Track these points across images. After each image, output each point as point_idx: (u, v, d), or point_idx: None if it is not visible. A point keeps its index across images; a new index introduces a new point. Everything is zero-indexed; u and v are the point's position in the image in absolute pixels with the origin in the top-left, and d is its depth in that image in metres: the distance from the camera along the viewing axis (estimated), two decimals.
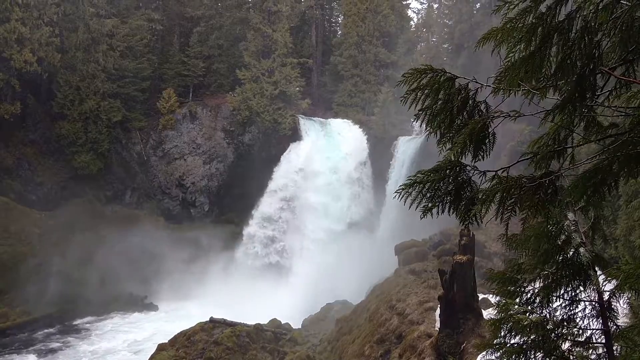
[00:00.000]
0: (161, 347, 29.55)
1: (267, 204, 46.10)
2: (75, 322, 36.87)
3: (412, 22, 63.67)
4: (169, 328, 34.37)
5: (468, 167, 4.80)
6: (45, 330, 35.29)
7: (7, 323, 34.61)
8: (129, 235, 41.01)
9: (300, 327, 33.64)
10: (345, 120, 49.03)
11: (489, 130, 4.60)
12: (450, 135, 4.86)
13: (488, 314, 21.85)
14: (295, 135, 47.71)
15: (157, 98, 48.05)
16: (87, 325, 36.87)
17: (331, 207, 45.03)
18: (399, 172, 43.42)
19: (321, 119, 49.92)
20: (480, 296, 23.01)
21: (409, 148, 43.89)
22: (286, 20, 49.72)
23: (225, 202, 48.23)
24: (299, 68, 50.38)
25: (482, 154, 4.67)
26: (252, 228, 46.00)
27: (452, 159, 4.55)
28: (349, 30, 53.00)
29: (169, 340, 30.07)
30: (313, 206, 45.21)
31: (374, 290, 30.11)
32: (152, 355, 29.04)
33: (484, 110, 4.86)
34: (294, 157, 46.60)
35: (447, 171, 4.77)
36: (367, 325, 26.94)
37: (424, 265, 29.04)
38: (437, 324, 22.31)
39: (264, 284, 41.89)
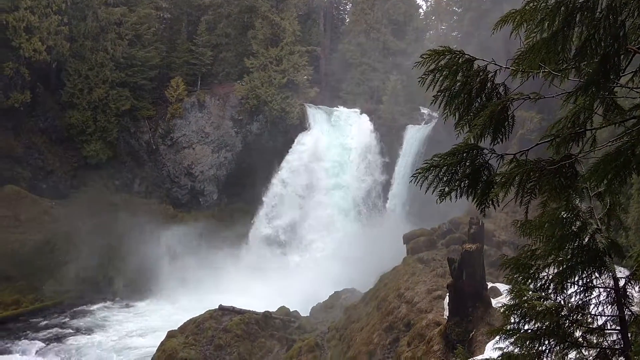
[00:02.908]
0: (171, 334, 29.79)
1: (275, 193, 46.16)
2: (85, 309, 37.20)
3: (421, 10, 63.24)
4: (177, 316, 34.60)
5: (485, 151, 4.74)
6: (56, 317, 35.62)
7: (19, 310, 35.01)
8: (139, 224, 41.19)
9: (308, 315, 33.77)
10: (353, 108, 48.84)
11: (509, 113, 4.53)
12: (468, 118, 4.80)
13: (497, 302, 21.84)
14: (303, 124, 47.64)
15: (166, 87, 48.05)
16: (97, 312, 37.18)
17: (339, 196, 45.02)
18: (407, 160, 43.31)
19: (329, 108, 49.76)
20: (489, 284, 22.99)
21: (418, 136, 43.74)
22: (294, 8, 49.49)
23: (234, 190, 48.30)
24: (307, 56, 50.17)
25: (501, 137, 4.61)
26: (260, 217, 46.11)
27: (472, 141, 4.49)
28: (358, 18, 52.70)
29: (178, 328, 30.30)
30: (321, 195, 45.20)
31: (383, 278, 30.12)
32: (162, 342, 29.28)
33: (502, 93, 4.80)
34: (301, 146, 46.54)
35: (464, 154, 4.70)
36: (375, 313, 27.00)
37: (433, 254, 28.98)
38: (446, 312, 22.32)
39: (272, 272, 42.03)
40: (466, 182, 4.68)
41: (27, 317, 34.88)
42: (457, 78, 4.66)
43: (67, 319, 35.50)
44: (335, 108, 49.72)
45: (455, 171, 4.66)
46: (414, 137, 44.14)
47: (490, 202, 4.77)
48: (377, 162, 45.75)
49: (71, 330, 33.65)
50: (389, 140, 45.47)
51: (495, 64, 4.77)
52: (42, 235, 39.14)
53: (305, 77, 49.15)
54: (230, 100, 48.94)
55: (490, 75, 4.72)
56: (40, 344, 30.98)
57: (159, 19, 50.25)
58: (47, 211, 41.29)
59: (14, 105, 41.02)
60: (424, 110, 47.95)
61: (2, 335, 32.10)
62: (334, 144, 46.39)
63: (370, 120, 47.07)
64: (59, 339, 32.15)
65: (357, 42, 52.27)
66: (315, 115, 48.23)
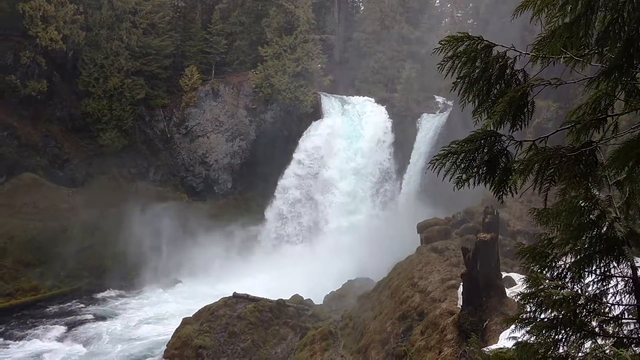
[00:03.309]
0: (186, 322, 30.10)
1: (288, 182, 46.25)
2: (101, 296, 37.66)
3: None
4: (192, 303, 34.94)
5: (503, 137, 4.70)
6: (74, 304, 36.13)
7: (37, 296, 35.56)
8: (154, 212, 41.56)
9: (322, 303, 33.91)
10: (367, 97, 48.62)
11: (528, 99, 4.48)
12: (487, 104, 4.76)
13: (511, 292, 21.76)
14: (316, 112, 47.55)
15: (180, 75, 48.18)
16: (113, 299, 37.63)
17: (353, 185, 44.99)
18: (421, 149, 43.10)
19: (343, 97, 49.59)
20: (504, 274, 22.88)
21: (433, 125, 43.46)
22: None
23: (248, 179, 48.48)
24: (321, 44, 50.00)
25: (520, 123, 4.57)
26: (274, 205, 46.28)
27: (490, 128, 4.45)
28: (372, 5, 52.32)
29: (193, 315, 30.60)
30: (334, 184, 45.22)
31: (396, 267, 30.12)
32: (176, 329, 29.60)
33: (521, 79, 4.74)
34: (315, 134, 46.51)
35: (482, 141, 4.67)
36: (389, 302, 27.03)
37: (447, 243, 28.87)
38: (460, 302, 22.27)
39: (286, 260, 42.23)
40: (484, 169, 4.66)
41: (45, 304, 35.42)
42: (476, 64, 4.62)
43: (83, 306, 36.00)
44: (349, 96, 49.53)
45: (473, 158, 4.63)
46: (428, 125, 43.87)
47: (508, 189, 4.74)
48: (391, 150, 45.56)
49: (88, 317, 34.11)
50: (403, 128, 45.24)
51: (515, 50, 4.72)
52: (59, 223, 39.61)
53: (319, 65, 48.98)
54: (244, 88, 48.97)
55: (509, 62, 4.67)
56: (58, 330, 31.45)
57: (173, 8, 50.30)
58: (64, 199, 41.76)
59: (31, 94, 41.43)
60: (439, 99, 47.62)
61: (22, 320, 32.67)
62: (347, 132, 46.28)
63: (385, 108, 46.82)
64: (76, 325, 32.61)
65: (372, 30, 51.92)
66: (329, 103, 48.10)
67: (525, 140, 4.57)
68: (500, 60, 4.61)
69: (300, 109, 47.15)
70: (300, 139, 46.63)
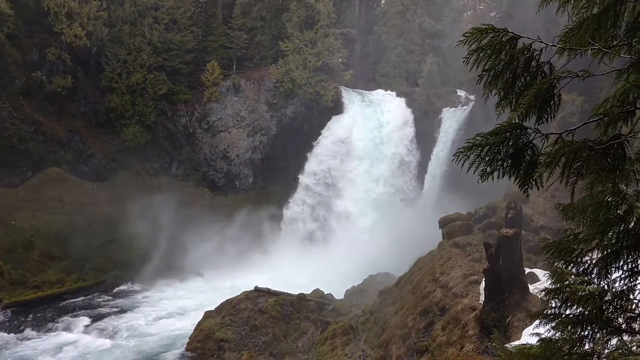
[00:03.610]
0: (208, 315, 30.41)
1: (309, 176, 46.33)
2: (124, 289, 38.22)
3: None
4: (213, 297, 35.28)
5: (529, 130, 4.64)
6: (98, 296, 36.76)
7: (63, 288, 36.26)
8: (176, 206, 41.99)
9: (342, 298, 33.96)
10: (388, 91, 48.35)
11: (555, 92, 4.41)
12: (511, 97, 4.70)
13: (535, 288, 21.52)
14: (337, 107, 47.45)
15: (202, 71, 48.49)
16: (136, 292, 38.15)
17: (374, 179, 44.86)
18: (443, 143, 42.76)
19: (364, 91, 49.39)
20: (527, 270, 22.66)
21: (455, 119, 43.07)
22: None
23: (269, 174, 48.65)
24: (341, 39, 49.80)
25: (546, 116, 4.50)
26: (295, 200, 46.41)
27: (516, 120, 4.39)
28: None
29: (215, 308, 30.89)
30: (355, 179, 45.15)
31: (417, 263, 30.00)
32: (199, 322, 29.94)
33: (547, 72, 4.67)
34: (336, 129, 46.45)
35: (507, 134, 4.62)
36: (410, 297, 26.95)
37: (469, 239, 28.64)
38: (482, 298, 22.10)
39: (306, 255, 42.34)
40: (509, 161, 4.60)
41: (71, 296, 36.10)
42: (501, 57, 4.56)
43: (107, 299, 36.58)
44: (370, 91, 49.32)
45: (497, 151, 4.59)
46: (450, 119, 43.48)
47: (534, 183, 4.68)
48: (412, 145, 45.30)
49: (111, 310, 34.66)
50: (424, 123, 44.91)
51: (541, 42, 4.64)
52: (83, 217, 40.27)
53: (340, 59, 48.82)
54: (265, 83, 49.10)
55: (535, 54, 4.60)
56: (83, 322, 32.01)
57: (194, 3, 50.58)
58: (88, 193, 42.46)
59: (56, 90, 42.12)
60: (461, 93, 47.15)
61: (48, 312, 33.35)
62: (368, 126, 46.13)
63: (406, 103, 46.53)
64: (100, 317, 33.14)
65: (393, 24, 51.53)
66: (350, 98, 47.97)
67: (552, 133, 4.51)
68: (525, 53, 4.55)
69: (321, 104, 47.11)
70: (321, 134, 46.61)
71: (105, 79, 45.63)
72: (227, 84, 48.74)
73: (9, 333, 30.10)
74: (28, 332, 30.27)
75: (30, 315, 32.41)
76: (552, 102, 4.47)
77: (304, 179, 46.41)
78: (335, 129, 46.40)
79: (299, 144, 46.65)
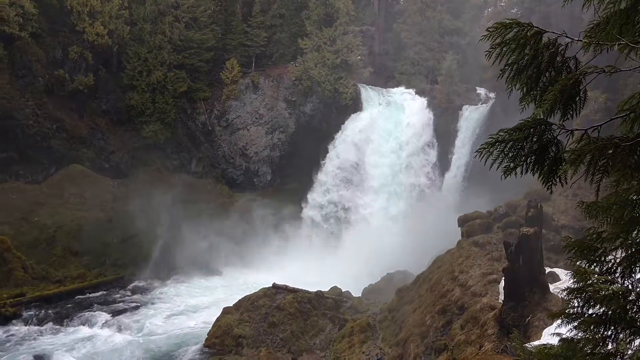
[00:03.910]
0: (226, 311, 30.62)
1: (327, 174, 46.31)
2: (143, 285, 38.49)
3: None
4: (231, 293, 35.53)
5: (554, 126, 4.58)
6: (118, 291, 37.19)
7: (84, 283, 36.78)
8: (195, 203, 42.31)
9: (360, 295, 33.92)
10: (407, 89, 48.10)
11: (580, 88, 4.35)
12: (535, 93, 4.64)
13: (555, 287, 21.28)
14: (356, 105, 47.34)
15: (221, 68, 48.73)
16: (155, 287, 38.44)
17: (392, 177, 44.71)
18: (463, 142, 42.43)
19: (383, 88, 49.21)
20: (547, 269, 22.42)
21: (474, 117, 42.72)
22: None
23: (287, 171, 48.75)
24: (360, 36, 49.67)
25: (571, 112, 4.44)
26: (313, 198, 46.45)
27: (541, 116, 4.34)
28: None
29: (233, 305, 31.09)
30: (374, 176, 45.05)
31: (436, 261, 29.85)
32: (217, 318, 30.15)
33: (572, 68, 4.61)
34: (354, 127, 46.36)
35: (531, 130, 4.57)
36: (428, 295, 26.84)
37: (488, 237, 28.42)
38: (501, 297, 21.95)
39: (324, 253, 42.39)
40: (533, 158, 4.56)
41: (91, 291, 36.57)
42: (525, 51, 4.51)
43: (127, 294, 36.98)
44: (389, 88, 49.13)
45: (521, 147, 4.54)
46: (470, 117, 43.12)
47: (557, 180, 4.62)
48: (431, 143, 45.03)
49: (131, 305, 35.03)
50: (444, 120, 44.61)
51: (567, 37, 4.58)
52: (104, 213, 40.78)
53: (359, 57, 48.69)
54: (283, 81, 49.18)
55: (560, 49, 4.55)
56: (104, 317, 32.42)
57: (214, 1, 50.78)
58: (109, 190, 42.98)
59: (78, 88, 42.69)
60: (480, 91, 46.73)
61: (69, 307, 33.85)
62: (387, 124, 45.95)
63: (425, 100, 46.26)
64: (120, 312, 33.51)
65: (412, 22, 51.23)
66: (369, 95, 47.82)
67: (577, 129, 4.45)
68: (550, 47, 4.49)
69: (340, 101, 47.05)
70: (340, 131, 46.58)
71: (126, 76, 46.11)
72: (246, 82, 48.93)
73: (31, 326, 30.64)
74: (50, 326, 30.76)
75: (52, 310, 32.92)
76: (577, 98, 4.41)
77: (322, 176, 46.42)
78: (354, 126, 46.30)
79: (317, 142, 46.67)
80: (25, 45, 40.31)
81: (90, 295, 35.92)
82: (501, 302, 21.28)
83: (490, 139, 4.60)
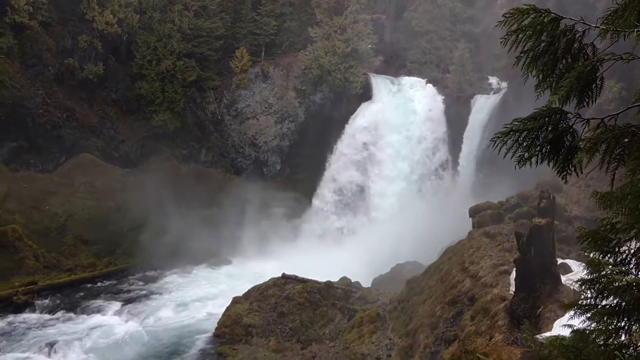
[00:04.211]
0: (236, 300, 30.75)
1: (337, 164, 46.21)
2: (154, 274, 38.77)
3: None
4: (241, 283, 35.62)
5: (569, 115, 4.46)
6: (127, 280, 37.46)
7: (95, 272, 37.10)
8: (204, 192, 42.39)
9: (369, 286, 33.91)
10: (418, 78, 47.74)
11: (597, 75, 4.22)
12: (551, 80, 4.52)
13: (567, 279, 21.13)
14: (366, 93, 47.07)
15: (230, 57, 48.56)
16: (164, 276, 38.69)
17: (402, 167, 44.51)
18: (475, 131, 42.10)
19: (394, 77, 48.86)
20: (559, 261, 22.25)
21: (486, 106, 42.32)
22: None
23: (296, 161, 48.65)
24: (371, 24, 49.24)
25: (587, 100, 4.32)
26: (322, 187, 46.39)
27: (556, 104, 4.22)
28: None
29: (243, 294, 31.21)
30: (384, 166, 44.87)
31: (446, 252, 29.74)
32: (227, 308, 30.31)
33: (589, 54, 4.48)
34: (364, 116, 46.15)
35: (546, 119, 4.45)
36: (438, 286, 26.78)
37: (499, 228, 28.24)
38: (512, 288, 21.85)
39: (334, 243, 42.42)
40: (547, 147, 4.44)
41: (102, 279, 36.91)
42: (542, 38, 4.39)
43: (137, 283, 37.25)
44: (400, 77, 48.77)
45: (536, 136, 4.43)
46: (482, 107, 42.73)
47: (573, 169, 4.51)
48: (442, 132, 44.71)
49: (141, 293, 35.29)
50: (455, 110, 44.24)
51: (584, 23, 4.45)
52: (114, 202, 40.98)
53: (370, 45, 48.28)
54: (293, 70, 48.95)
55: (577, 35, 4.42)
56: (114, 305, 32.70)
57: None
58: (119, 179, 43.17)
59: (88, 77, 42.76)
60: (492, 80, 46.29)
61: (80, 295, 34.17)
62: (398, 113, 45.66)
63: (437, 89, 45.89)
64: (130, 301, 33.78)
65: (424, 10, 50.73)
66: (379, 84, 47.51)
67: (593, 118, 4.33)
68: (567, 34, 4.36)
69: (350, 90, 46.80)
70: (349, 121, 46.38)
71: (136, 65, 46.09)
72: (256, 71, 48.76)
73: (43, 314, 30.97)
74: (61, 314, 31.08)
75: (63, 298, 33.27)
76: (594, 86, 4.28)
77: (331, 166, 46.30)
78: (364, 115, 46.07)
79: (327, 131, 46.51)
80: (36, 35, 40.40)
81: (101, 284, 36.25)
82: (512, 293, 21.19)
83: (505, 129, 4.50)
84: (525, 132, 4.45)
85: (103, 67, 43.45)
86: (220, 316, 29.86)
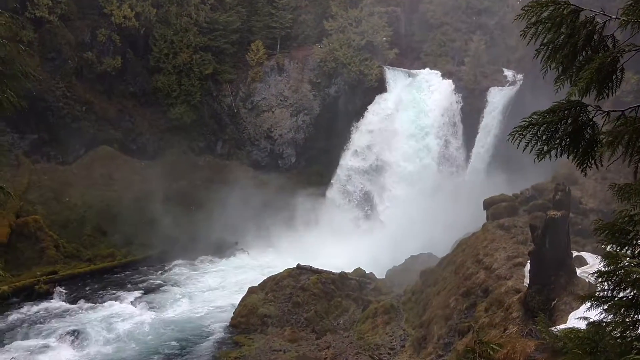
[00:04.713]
0: (251, 290, 31.10)
1: (351, 157, 46.25)
2: (171, 264, 39.16)
3: None
4: (256, 273, 36.00)
5: (589, 107, 4.55)
6: (145, 270, 37.94)
7: (113, 262, 37.66)
8: (221, 184, 42.73)
9: (384, 277, 34.04)
10: (433, 70, 47.52)
11: (618, 66, 4.30)
12: (572, 72, 4.60)
13: (582, 271, 21.09)
14: (381, 86, 46.98)
15: (246, 50, 48.73)
16: (181, 267, 39.11)
17: (417, 160, 44.43)
18: (489, 124, 41.89)
19: (409, 70, 48.70)
20: (574, 253, 22.19)
21: (502, 99, 42.05)
22: None
23: (311, 154, 48.79)
24: (386, 17, 49.08)
25: (607, 92, 4.40)
26: (337, 180, 46.49)
27: (575, 96, 4.31)
28: None
29: (258, 284, 31.54)
30: (399, 159, 44.82)
31: (461, 244, 29.75)
32: (243, 298, 30.67)
33: (610, 46, 4.55)
34: (379, 109, 46.09)
35: (566, 112, 4.54)
36: (452, 278, 26.84)
37: (514, 221, 28.18)
38: (526, 280, 21.85)
39: (348, 234, 42.52)
40: (567, 140, 4.53)
41: (121, 270, 37.43)
42: (561, 30, 4.47)
43: (154, 273, 37.70)
44: (414, 70, 48.59)
45: (555, 129, 4.52)
46: (497, 99, 42.46)
47: (593, 162, 4.60)
48: (457, 125, 44.52)
49: (157, 283, 35.74)
50: (470, 102, 44.00)
51: (605, 15, 4.52)
52: (132, 193, 41.42)
53: (385, 38, 48.13)
54: (308, 63, 49.00)
55: (598, 27, 4.49)
56: (132, 295, 33.20)
57: None
58: (136, 171, 43.66)
59: (106, 70, 43.24)
60: (508, 72, 45.92)
61: (99, 285, 34.73)
62: (412, 106, 45.53)
63: (452, 82, 45.63)
64: (147, 291, 34.24)
65: (439, 2, 50.45)
66: (394, 77, 47.36)
67: (614, 111, 4.41)
68: (587, 26, 4.44)
69: (365, 83, 46.76)
70: (364, 113, 46.35)
71: (153, 59, 46.44)
72: (271, 64, 48.89)
73: (64, 303, 31.55)
74: (81, 303, 31.63)
75: (83, 288, 33.84)
76: (614, 77, 4.36)
77: (346, 159, 46.36)
78: (379, 107, 46.02)
79: (342, 124, 46.57)
80: (55, 29, 40.89)
81: (119, 274, 36.77)
82: (526, 285, 21.20)
83: (524, 122, 4.59)
84: (544, 125, 4.53)
85: (121, 61, 43.88)
86: (235, 306, 30.21)
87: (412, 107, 45.44)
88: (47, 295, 32.04)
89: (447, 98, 44.77)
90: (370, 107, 46.34)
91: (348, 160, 46.27)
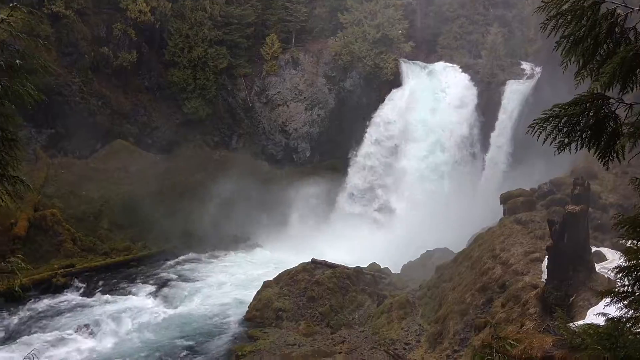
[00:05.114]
0: (266, 284, 31.18)
1: (366, 150, 46.10)
2: (185, 258, 39.30)
3: None
4: (271, 268, 36.04)
5: (612, 100, 4.44)
6: (161, 264, 38.17)
7: (130, 256, 37.97)
8: (235, 178, 42.86)
9: (399, 272, 33.94)
10: (450, 63, 47.12)
11: None
12: (593, 66, 4.49)
13: (601, 267, 20.81)
14: (397, 80, 46.72)
15: (261, 44, 48.75)
16: (196, 261, 39.24)
17: (433, 154, 44.16)
18: (507, 117, 41.46)
19: (425, 63, 48.35)
20: (593, 249, 21.89)
21: (519, 92, 41.57)
22: None
23: (326, 148, 48.74)
24: (402, 10, 48.73)
25: (631, 85, 4.28)
26: (352, 174, 46.39)
27: (598, 90, 4.21)
28: None
29: (273, 278, 31.60)
30: (414, 153, 44.58)
31: (477, 239, 29.51)
32: (257, 292, 30.74)
33: (632, 39, 4.43)
34: (395, 102, 45.84)
35: (588, 104, 4.43)
36: (468, 273, 26.65)
37: (531, 215, 27.86)
38: (544, 276, 21.62)
39: (363, 229, 42.45)
40: (588, 133, 4.43)
41: (137, 263, 37.69)
42: (582, 22, 4.36)
43: (170, 267, 37.91)
44: (431, 63, 48.24)
45: (576, 122, 4.42)
46: (514, 92, 42.00)
47: (615, 155, 4.50)
48: (474, 118, 44.13)
49: (173, 277, 35.90)
50: (487, 96, 43.59)
51: (627, 6, 4.40)
52: (148, 187, 41.74)
53: (400, 31, 47.81)
54: (323, 56, 48.88)
55: (619, 19, 4.37)
56: (148, 289, 33.45)
57: None
58: (152, 165, 43.99)
59: (122, 65, 43.53)
60: (525, 65, 45.38)
61: (116, 278, 35.05)
62: (428, 99, 45.21)
63: (468, 75, 45.22)
64: (163, 285, 34.40)
65: None
66: (410, 70, 47.07)
67: (637, 103, 4.29)
68: (609, 18, 4.32)
69: (380, 77, 46.53)
70: (380, 107, 46.15)
71: (168, 53, 46.65)
72: (286, 58, 48.84)
73: (81, 296, 31.93)
74: (98, 296, 31.94)
75: (100, 281, 34.18)
76: (638, 71, 4.24)
77: (361, 153, 46.24)
78: (394, 101, 45.78)
79: (357, 118, 46.42)
80: (72, 23, 41.23)
81: (135, 267, 37.08)
82: (543, 281, 20.98)
83: (544, 115, 4.50)
84: (565, 118, 4.44)
85: (137, 55, 44.15)
86: (250, 300, 30.32)
87: (428, 101, 45.12)
88: (64, 288, 32.41)
89: (463, 91, 44.39)
90: (385, 101, 46.10)
91: (363, 154, 46.12)
